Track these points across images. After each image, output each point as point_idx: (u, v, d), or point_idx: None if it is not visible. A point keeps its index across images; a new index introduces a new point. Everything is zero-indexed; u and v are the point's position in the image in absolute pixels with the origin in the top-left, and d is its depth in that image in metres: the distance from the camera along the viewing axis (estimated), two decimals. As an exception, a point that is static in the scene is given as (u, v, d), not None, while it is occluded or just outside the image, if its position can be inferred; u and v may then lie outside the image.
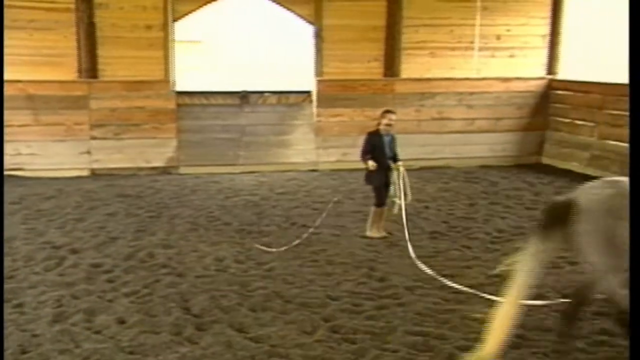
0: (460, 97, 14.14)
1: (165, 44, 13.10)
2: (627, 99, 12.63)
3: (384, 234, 8.66)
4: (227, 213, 10.00)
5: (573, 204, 4.73)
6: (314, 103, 13.84)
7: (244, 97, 13.88)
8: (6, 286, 6.64)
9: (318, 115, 13.80)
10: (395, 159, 8.46)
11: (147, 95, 13.13)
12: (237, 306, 6.30)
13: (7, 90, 11.84)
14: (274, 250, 7.99)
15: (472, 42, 14.00)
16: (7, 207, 9.58)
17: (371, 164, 8.26)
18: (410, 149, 12.60)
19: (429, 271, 7.23)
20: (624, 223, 4.25)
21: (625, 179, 4.56)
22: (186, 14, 13.29)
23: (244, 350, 5.38)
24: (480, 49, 14.08)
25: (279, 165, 13.47)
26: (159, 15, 12.98)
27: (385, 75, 13.95)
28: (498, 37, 14.15)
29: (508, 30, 14.17)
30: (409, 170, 8.51)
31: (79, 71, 12.79)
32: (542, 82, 14.45)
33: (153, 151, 13.18)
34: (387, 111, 8.60)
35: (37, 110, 12.57)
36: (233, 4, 20.00)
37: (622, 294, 4.45)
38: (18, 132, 12.40)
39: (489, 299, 6.48)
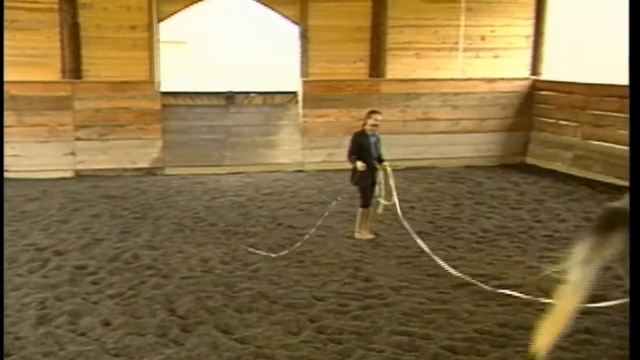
0: (445, 97, 14.21)
1: (150, 45, 13.04)
2: (609, 99, 12.81)
3: (372, 235, 8.67)
4: (212, 214, 9.97)
5: (625, 210, 4.69)
6: (300, 103, 13.85)
7: (229, 97, 13.85)
8: (-11, 289, 6.59)
9: (304, 116, 13.80)
10: (380, 159, 8.48)
11: (132, 96, 13.07)
12: (223, 307, 6.29)
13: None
14: (273, 255, 7.85)
15: (456, 43, 14.06)
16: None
17: (360, 164, 8.26)
18: (395, 150, 12.66)
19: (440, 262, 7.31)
20: None
21: None
22: (171, 15, 13.24)
23: (229, 352, 5.37)
24: (465, 50, 14.15)
25: (265, 165, 13.46)
26: (144, 16, 12.91)
27: (371, 75, 13.98)
28: (482, 38, 14.23)
29: (492, 31, 14.25)
30: (394, 170, 8.53)
31: (63, 72, 12.71)
32: (526, 83, 14.55)
33: (138, 152, 13.12)
34: (373, 111, 8.61)
35: (20, 111, 12.47)
36: (218, 5, 19.96)
37: None
38: (1, 133, 12.30)
39: (473, 295, 6.53)
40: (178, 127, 13.49)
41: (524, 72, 14.59)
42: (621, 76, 13.26)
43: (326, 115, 13.79)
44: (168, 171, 13.09)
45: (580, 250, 4.67)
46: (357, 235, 8.68)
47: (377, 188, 8.43)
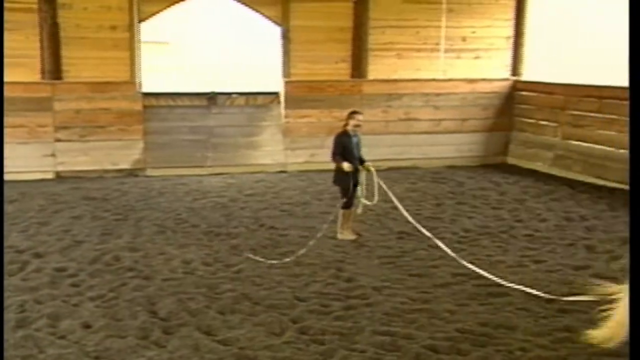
0: (426, 98, 14.28)
1: (131, 45, 12.96)
2: (588, 99, 12.95)
3: (354, 236, 8.68)
4: (194, 215, 9.94)
5: None
6: (282, 104, 13.84)
7: (211, 98, 13.81)
8: (-33, 292, 6.51)
9: (286, 117, 13.80)
10: (361, 159, 8.49)
11: (112, 97, 12.98)
12: (205, 309, 6.27)
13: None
14: (275, 262, 7.69)
15: (438, 44, 14.14)
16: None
17: (347, 165, 8.25)
18: (378, 150, 12.72)
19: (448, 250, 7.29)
20: None
21: None
22: (152, 15, 13.17)
23: (211, 353, 5.35)
24: (446, 51, 14.23)
25: (247, 166, 13.43)
26: (124, 16, 12.83)
27: (353, 76, 14.01)
28: (463, 39, 14.31)
29: (473, 32, 14.34)
30: (377, 171, 8.54)
31: (42, 72, 12.59)
32: (507, 83, 14.66)
33: (119, 153, 13.04)
34: (355, 112, 8.62)
35: (-1, 112, 12.34)
36: (200, 5, 19.88)
37: None
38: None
39: (454, 295, 6.56)
40: (160, 128, 13.42)
41: (505, 72, 14.71)
42: (600, 77, 13.43)
43: (308, 116, 13.80)
44: (150, 172, 13.02)
45: None
46: (339, 236, 8.69)
47: (359, 189, 8.43)
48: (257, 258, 7.80)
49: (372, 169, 8.36)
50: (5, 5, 12.11)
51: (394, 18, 13.88)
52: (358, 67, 13.97)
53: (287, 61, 13.73)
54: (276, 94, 14.02)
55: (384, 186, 8.25)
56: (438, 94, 14.32)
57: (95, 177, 12.68)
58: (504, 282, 6.82)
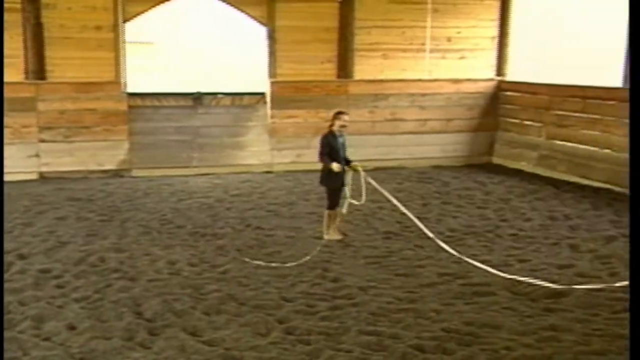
0: (412, 98, 14.32)
1: (115, 45, 12.88)
2: (572, 99, 13.05)
3: (341, 236, 8.68)
4: (180, 216, 9.90)
5: None
6: (268, 104, 13.82)
7: (197, 98, 13.77)
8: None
9: (272, 117, 13.78)
10: (347, 160, 8.48)
11: (97, 97, 12.91)
12: (191, 309, 6.25)
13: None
14: (275, 265, 7.62)
15: (423, 44, 14.19)
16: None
17: (336, 165, 8.24)
18: (364, 150, 12.75)
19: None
20: None
21: None
22: (137, 15, 13.10)
23: (197, 354, 5.34)
24: (432, 51, 14.28)
25: (233, 167, 13.41)
26: (109, 16, 12.76)
27: (339, 76, 14.02)
28: (449, 39, 14.37)
29: (458, 33, 14.40)
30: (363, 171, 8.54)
31: (26, 72, 12.49)
32: (492, 84, 14.74)
33: (104, 154, 12.96)
34: (340, 112, 8.61)
35: (-18, 112, 12.23)
36: (185, 5, 19.81)
37: None
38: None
39: (440, 295, 6.59)
40: (145, 128, 13.36)
41: (490, 73, 14.78)
42: (583, 77, 13.54)
43: (294, 116, 13.79)
44: (135, 173, 12.95)
45: None
46: (325, 236, 8.68)
47: (346, 189, 8.41)
48: (259, 262, 7.68)
49: (360, 168, 8.37)
50: (-12, 4, 12.01)
51: (380, 18, 13.91)
52: (344, 68, 13.98)
53: (273, 61, 13.71)
54: (262, 94, 14.00)
55: (376, 185, 8.26)
56: (424, 94, 14.37)
57: (80, 177, 12.60)
58: (516, 277, 6.92)
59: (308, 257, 7.75)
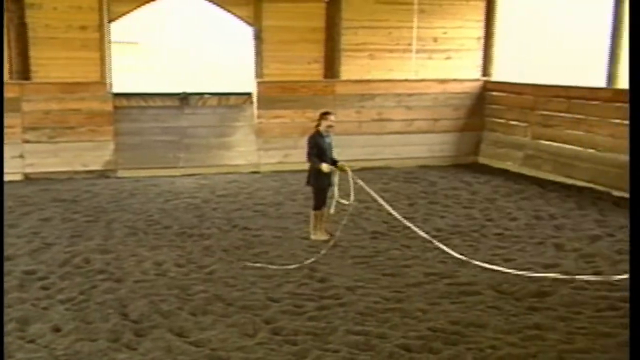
0: (399, 98, 14.36)
1: (101, 45, 12.82)
2: (557, 99, 13.14)
3: (327, 236, 8.69)
4: (167, 216, 9.87)
5: None
6: (255, 104, 13.81)
7: (183, 98, 13.72)
8: None
9: (259, 117, 13.77)
10: (333, 160, 8.49)
11: (82, 97, 12.84)
12: (177, 310, 6.23)
13: None
14: (275, 267, 7.55)
15: (409, 44, 14.23)
16: None
17: (326, 166, 8.25)
18: (351, 150, 12.76)
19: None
20: None
21: None
22: (122, 15, 13.04)
23: (184, 355, 5.32)
24: (418, 51, 14.32)
25: (220, 167, 13.38)
26: (94, 16, 12.69)
27: (326, 76, 14.04)
28: (435, 40, 14.42)
29: (444, 33, 14.46)
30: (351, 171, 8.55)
31: (10, 72, 12.39)
32: (478, 84, 14.81)
33: (90, 154, 12.89)
34: (327, 112, 8.61)
35: (-35, 113, 12.12)
36: (171, 5, 19.76)
37: None
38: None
39: (426, 294, 6.62)
40: (131, 128, 13.29)
41: (475, 73, 14.86)
42: (568, 77, 13.66)
43: (281, 116, 13.79)
44: (121, 173, 12.89)
45: None
46: (312, 236, 8.70)
47: (334, 189, 8.41)
48: (261, 265, 7.62)
49: (347, 168, 8.38)
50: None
51: (367, 19, 13.94)
52: (331, 68, 14.00)
53: (260, 61, 13.70)
54: (249, 94, 13.98)
55: (364, 185, 8.28)
56: (410, 94, 14.41)
57: (65, 178, 12.52)
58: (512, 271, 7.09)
59: (313, 259, 7.70)
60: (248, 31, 13.77)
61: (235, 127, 13.89)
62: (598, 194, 11.24)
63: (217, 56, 22.84)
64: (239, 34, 15.60)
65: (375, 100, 14.23)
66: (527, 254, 8.11)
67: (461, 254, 7.86)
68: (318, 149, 8.36)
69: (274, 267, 7.53)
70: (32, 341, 5.56)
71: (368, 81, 14.15)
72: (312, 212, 8.71)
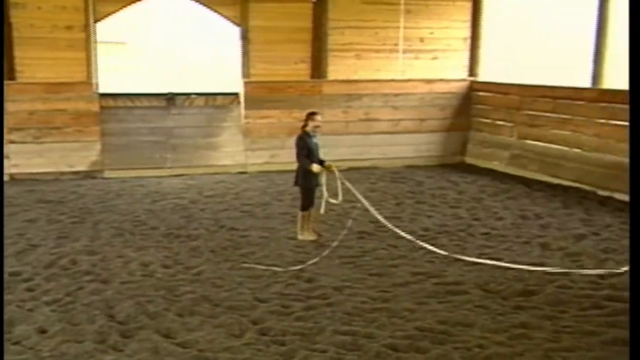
0: (386, 98, 14.39)
1: (87, 45, 12.74)
2: (542, 99, 13.22)
3: (315, 236, 8.69)
4: (154, 217, 9.83)
5: None
6: (242, 105, 13.78)
7: (170, 99, 13.67)
8: None
9: (246, 117, 13.75)
10: (320, 160, 8.49)
11: (68, 98, 12.75)
12: (164, 311, 6.20)
13: None
14: (280, 269, 7.49)
15: (396, 45, 14.26)
16: None
17: (316, 167, 8.25)
18: (338, 150, 12.79)
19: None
20: None
21: None
22: (108, 15, 12.96)
23: (170, 356, 5.30)
24: (405, 51, 14.36)
25: (207, 167, 13.35)
26: (80, 16, 12.61)
27: (313, 76, 14.04)
28: (421, 40, 14.47)
29: (431, 33, 14.50)
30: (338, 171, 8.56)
31: (-5, 73, 12.30)
32: (464, 84, 14.87)
33: (76, 155, 12.81)
34: (314, 113, 8.60)
35: (-51, 113, 12.01)
36: (157, 5, 19.67)
37: None
38: None
39: (414, 294, 6.64)
40: (117, 129, 13.23)
41: (462, 73, 14.91)
42: (553, 77, 13.75)
43: (268, 117, 13.77)
44: (107, 174, 12.83)
45: None
46: (300, 236, 8.69)
47: (322, 189, 8.40)
48: (261, 266, 7.60)
49: (335, 168, 8.39)
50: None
51: (353, 19, 13.95)
52: (318, 68, 14.01)
53: (247, 61, 13.67)
54: (236, 94, 13.95)
55: (350, 186, 8.28)
56: (397, 95, 14.45)
57: (51, 179, 12.44)
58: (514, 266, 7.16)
59: (315, 260, 7.68)
60: (235, 31, 13.74)
61: (222, 128, 13.86)
62: (584, 194, 11.33)
63: (204, 56, 22.77)
64: (225, 34, 15.56)
65: (362, 100, 14.25)
66: (513, 253, 8.16)
67: (446, 252, 7.89)
68: (307, 150, 8.36)
69: (278, 269, 7.48)
70: (17, 343, 5.52)
71: (355, 81, 14.16)
72: (299, 213, 8.71)
